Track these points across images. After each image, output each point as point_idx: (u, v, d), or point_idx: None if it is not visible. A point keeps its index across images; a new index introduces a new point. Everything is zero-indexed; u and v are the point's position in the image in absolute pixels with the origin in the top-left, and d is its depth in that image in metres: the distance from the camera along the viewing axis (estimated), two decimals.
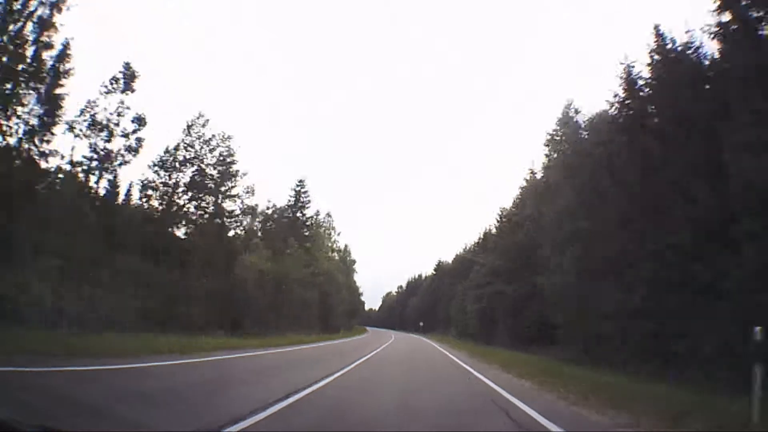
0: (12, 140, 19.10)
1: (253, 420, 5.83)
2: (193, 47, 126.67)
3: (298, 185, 50.67)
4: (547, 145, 31.80)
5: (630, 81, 18.26)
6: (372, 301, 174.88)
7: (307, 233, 50.26)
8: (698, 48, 15.71)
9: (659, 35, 17.05)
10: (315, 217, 63.28)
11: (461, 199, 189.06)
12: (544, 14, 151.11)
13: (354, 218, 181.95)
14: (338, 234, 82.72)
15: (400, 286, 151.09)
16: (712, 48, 14.62)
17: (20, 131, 19.13)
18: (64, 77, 20.38)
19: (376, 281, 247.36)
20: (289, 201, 49.93)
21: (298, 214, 49.87)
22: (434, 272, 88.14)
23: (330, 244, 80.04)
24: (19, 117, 18.83)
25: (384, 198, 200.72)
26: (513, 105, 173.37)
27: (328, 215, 79.32)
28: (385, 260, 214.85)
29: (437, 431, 6.42)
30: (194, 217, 32.32)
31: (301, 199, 50.38)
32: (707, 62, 15.27)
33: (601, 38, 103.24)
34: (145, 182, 30.18)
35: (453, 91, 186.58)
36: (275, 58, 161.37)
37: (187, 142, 32.30)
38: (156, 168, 30.63)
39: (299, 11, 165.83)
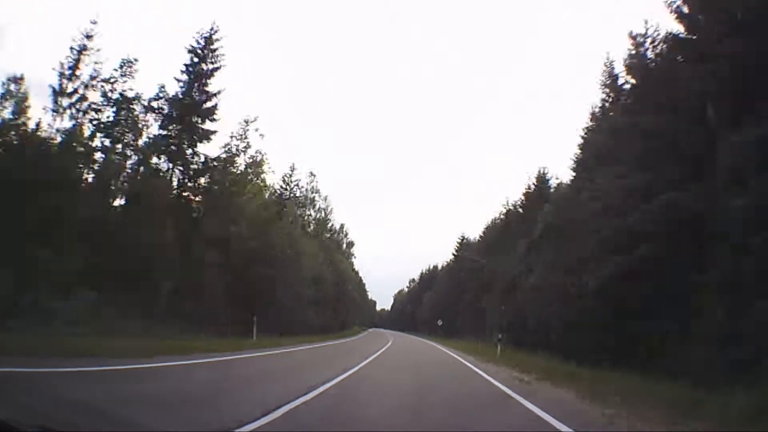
0: None
1: None
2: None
3: (202, 43, 25.55)
4: None
5: None
6: (384, 301, 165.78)
7: (207, 127, 24.87)
8: None
9: None
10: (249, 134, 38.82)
11: (465, 196, 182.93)
12: (544, 14, 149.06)
13: (355, 218, 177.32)
14: (324, 198, 58.27)
15: (412, 280, 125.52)
16: None
17: None
18: None
19: (388, 282, 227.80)
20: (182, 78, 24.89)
21: (195, 94, 24.74)
22: (456, 254, 62.16)
23: (312, 213, 55.82)
24: None
25: (385, 198, 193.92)
26: (513, 105, 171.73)
27: (312, 174, 55.89)
28: (394, 261, 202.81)
29: None
30: None
31: (206, 67, 25.28)
32: None
33: (601, 38, 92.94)
34: None
35: (453, 91, 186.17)
36: (275, 58, 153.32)
37: None
38: None
39: (299, 11, 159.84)
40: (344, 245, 75.66)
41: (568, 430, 5.14)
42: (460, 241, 61.42)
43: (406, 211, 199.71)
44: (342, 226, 76.50)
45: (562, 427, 5.80)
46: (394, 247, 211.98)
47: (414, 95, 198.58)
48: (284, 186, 46.01)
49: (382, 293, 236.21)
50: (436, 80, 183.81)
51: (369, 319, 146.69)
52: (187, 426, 4.83)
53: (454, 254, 62.10)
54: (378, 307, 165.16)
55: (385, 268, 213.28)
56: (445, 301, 59.94)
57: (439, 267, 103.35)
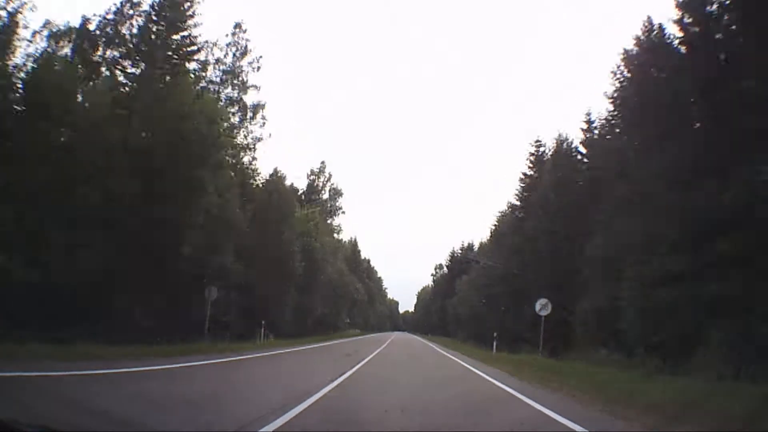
0: None
1: None
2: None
3: None
4: None
5: None
6: (409, 303, 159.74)
7: None
8: None
9: None
10: None
11: (468, 193, 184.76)
12: (544, 14, 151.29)
13: (360, 220, 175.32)
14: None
15: (439, 266, 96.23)
16: None
17: None
18: None
19: (412, 287, 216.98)
20: None
21: None
22: (524, 189, 32.45)
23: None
24: None
25: (387, 197, 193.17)
26: (513, 105, 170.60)
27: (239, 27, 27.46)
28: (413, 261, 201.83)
29: None
30: None
31: None
32: None
33: (601, 38, 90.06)
34: None
35: (453, 91, 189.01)
36: (275, 58, 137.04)
37: None
38: None
39: (299, 11, 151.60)
40: (326, 192, 48.00)
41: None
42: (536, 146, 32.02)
43: (413, 209, 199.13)
44: (323, 165, 49.00)
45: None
46: (410, 248, 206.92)
47: (414, 95, 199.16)
48: None
49: (404, 295, 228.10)
50: (436, 80, 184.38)
51: (391, 321, 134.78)
52: None
53: (524, 188, 32.53)
54: (401, 309, 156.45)
55: (405, 268, 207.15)
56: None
57: (476, 246, 74.82)
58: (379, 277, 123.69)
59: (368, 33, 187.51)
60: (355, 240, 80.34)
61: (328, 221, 47.36)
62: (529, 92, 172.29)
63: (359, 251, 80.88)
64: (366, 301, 73.75)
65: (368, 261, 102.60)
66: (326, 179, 48.74)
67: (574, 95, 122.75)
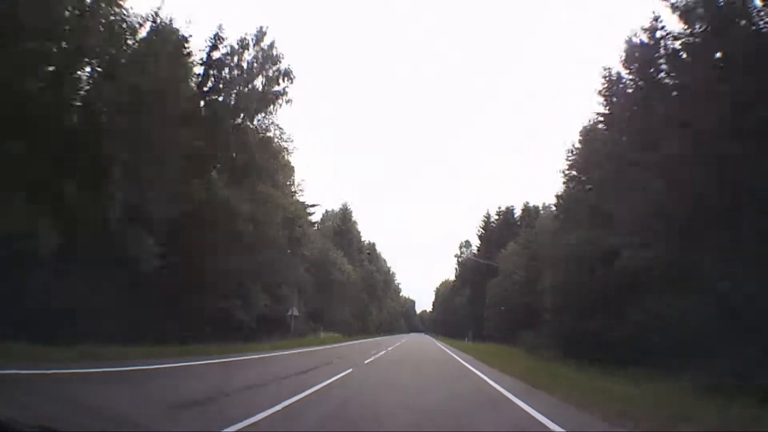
0: None
1: None
2: None
3: None
4: None
5: None
6: (425, 304, 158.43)
7: None
8: None
9: None
10: None
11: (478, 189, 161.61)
12: (544, 14, 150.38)
13: (368, 221, 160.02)
14: None
15: (466, 243, 72.89)
16: None
17: None
18: None
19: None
20: None
21: None
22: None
23: None
24: None
25: (388, 198, 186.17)
26: (513, 105, 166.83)
27: None
28: (417, 264, 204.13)
29: None
30: None
31: None
32: None
33: (602, 38, 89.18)
34: None
35: (453, 91, 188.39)
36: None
37: None
38: None
39: (299, 11, 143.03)
40: (262, 71, 25.16)
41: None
42: None
43: (417, 209, 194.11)
44: (261, 32, 25.87)
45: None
46: (422, 248, 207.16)
47: (414, 95, 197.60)
48: None
49: (421, 296, 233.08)
50: (436, 80, 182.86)
51: (406, 321, 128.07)
52: None
53: None
54: (418, 309, 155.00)
55: (419, 269, 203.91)
56: None
57: (518, 210, 51.52)
58: (389, 268, 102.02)
59: (368, 33, 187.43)
60: (346, 206, 57.77)
61: (260, 117, 24.37)
62: (529, 92, 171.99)
63: (353, 222, 58.04)
64: (361, 288, 50.66)
65: (373, 245, 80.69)
66: (263, 52, 25.80)
67: (574, 95, 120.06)
